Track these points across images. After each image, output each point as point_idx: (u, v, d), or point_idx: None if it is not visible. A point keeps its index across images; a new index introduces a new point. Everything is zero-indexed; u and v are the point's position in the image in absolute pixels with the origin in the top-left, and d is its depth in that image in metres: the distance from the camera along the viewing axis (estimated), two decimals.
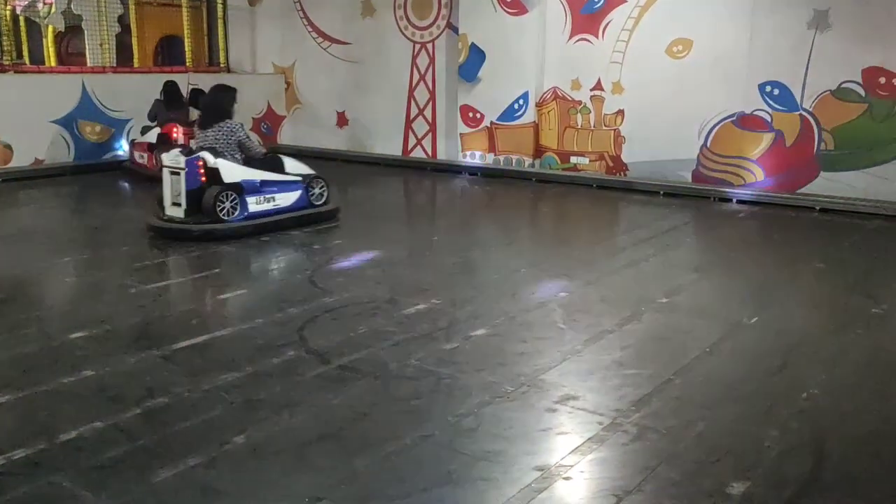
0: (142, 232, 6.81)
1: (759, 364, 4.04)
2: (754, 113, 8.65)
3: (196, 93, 10.42)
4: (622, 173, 9.68)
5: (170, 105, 10.00)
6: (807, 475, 2.94)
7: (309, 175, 7.44)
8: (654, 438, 3.21)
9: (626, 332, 4.48)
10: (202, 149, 6.80)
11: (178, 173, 6.62)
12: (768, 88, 8.54)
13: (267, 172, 7.05)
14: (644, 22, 9.24)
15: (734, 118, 8.79)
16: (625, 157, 9.65)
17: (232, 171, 6.77)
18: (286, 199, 7.12)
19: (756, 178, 8.77)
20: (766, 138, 8.64)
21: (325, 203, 7.51)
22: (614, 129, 9.68)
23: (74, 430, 3.19)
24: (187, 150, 6.86)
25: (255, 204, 6.83)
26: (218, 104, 7.14)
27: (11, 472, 2.88)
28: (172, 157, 6.74)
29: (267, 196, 6.96)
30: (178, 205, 6.62)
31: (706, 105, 8.90)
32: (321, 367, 3.90)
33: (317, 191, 7.46)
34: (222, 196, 6.57)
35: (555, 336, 4.41)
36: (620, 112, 9.61)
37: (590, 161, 9.94)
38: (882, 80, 7.90)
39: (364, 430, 3.26)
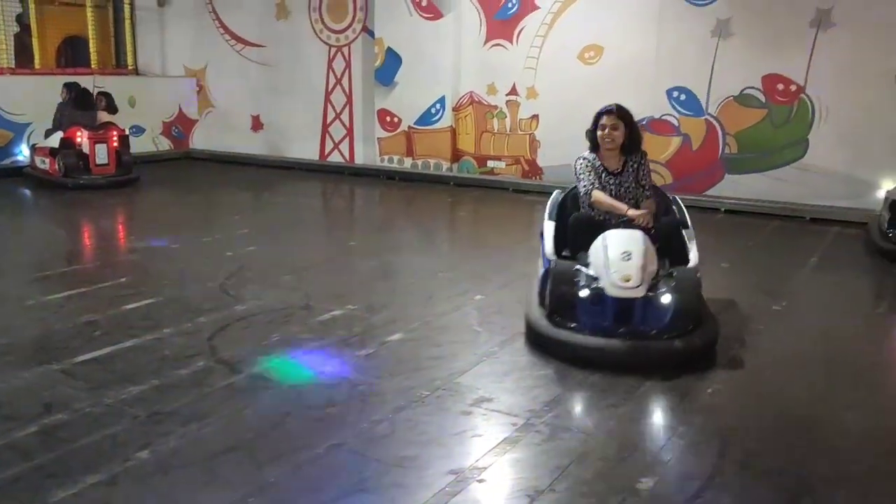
0: (41, 240, 6.50)
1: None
2: (663, 118, 8.92)
3: (103, 96, 10.08)
4: (538, 177, 9.82)
5: (77, 107, 9.61)
6: (710, 469, 3.03)
7: None
8: (567, 437, 3.26)
9: None
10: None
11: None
12: (675, 94, 8.82)
13: None
14: (556, 28, 9.42)
15: (644, 122, 9.02)
16: (540, 161, 9.80)
17: None
18: None
19: (665, 180, 9.03)
20: (674, 142, 8.93)
21: None
22: (529, 134, 9.82)
23: None
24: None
25: None
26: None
27: None
28: None
29: None
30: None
31: None
32: (231, 377, 3.80)
33: None
34: None
35: (470, 339, 4.43)
36: (535, 117, 9.75)
37: (506, 165, 10.05)
38: (780, 86, 8.28)
39: (276, 439, 3.19)
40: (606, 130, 4.69)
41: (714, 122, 8.67)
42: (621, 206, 4.55)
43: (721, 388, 3.80)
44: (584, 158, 4.81)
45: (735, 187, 8.63)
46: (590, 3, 9.15)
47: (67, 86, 9.76)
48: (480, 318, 4.79)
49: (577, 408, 3.62)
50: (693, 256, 4.42)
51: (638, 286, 4.01)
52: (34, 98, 10.31)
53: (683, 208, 4.99)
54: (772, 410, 3.61)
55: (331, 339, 4.36)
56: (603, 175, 4.73)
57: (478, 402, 3.57)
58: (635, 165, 4.74)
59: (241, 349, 4.17)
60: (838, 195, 8.08)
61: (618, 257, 4.09)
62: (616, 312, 4.02)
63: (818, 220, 7.98)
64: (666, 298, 4.03)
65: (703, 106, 8.69)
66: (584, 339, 3.99)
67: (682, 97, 8.79)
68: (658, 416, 3.50)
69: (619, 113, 4.70)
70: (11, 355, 4.05)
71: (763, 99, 8.37)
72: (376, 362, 4.07)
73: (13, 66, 11.02)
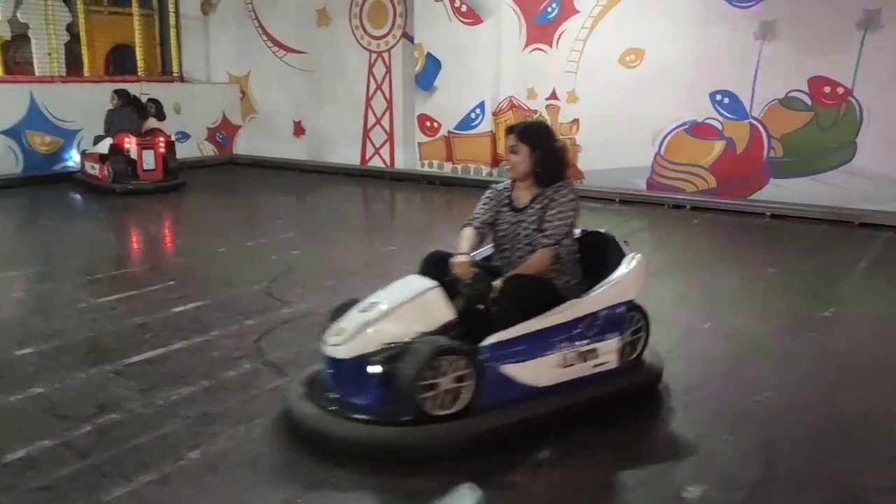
0: (91, 244, 6.67)
1: (712, 369, 4.11)
2: (706, 121, 8.82)
3: (154, 103, 10.30)
4: (579, 181, 9.78)
5: (125, 113, 9.82)
6: (759, 477, 3.00)
7: None
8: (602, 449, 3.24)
9: None
10: None
11: None
12: (719, 97, 8.72)
13: None
14: (597, 32, 9.38)
15: (686, 126, 8.96)
16: (581, 165, 9.75)
17: None
18: None
19: (709, 184, 8.94)
20: (718, 146, 8.83)
21: None
22: (570, 138, 9.78)
23: (22, 449, 3.11)
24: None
25: None
26: None
27: None
28: None
29: None
30: None
31: (659, 113, 9.05)
32: (278, 380, 3.86)
33: None
34: None
35: None
36: (576, 121, 9.72)
37: None
38: (827, 89, 8.13)
39: None
40: (508, 154, 3.67)
41: (758, 126, 8.55)
42: (458, 251, 3.51)
43: (769, 396, 3.75)
44: (493, 187, 3.82)
45: (781, 191, 8.50)
46: (630, 6, 9.09)
47: (117, 92, 9.99)
48: None
49: (621, 412, 3.60)
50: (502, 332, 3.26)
51: (339, 345, 3.22)
52: (83, 105, 10.57)
53: (631, 263, 3.77)
54: (821, 419, 3.55)
55: None
56: (506, 210, 3.68)
57: None
58: (546, 202, 3.57)
59: (287, 352, 4.23)
60: (888, 199, 7.91)
61: (361, 306, 3.38)
62: (331, 375, 3.31)
63: (867, 224, 7.82)
64: (374, 369, 3.12)
65: (748, 109, 8.57)
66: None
67: (726, 100, 8.68)
68: (705, 425, 3.46)
69: (521, 133, 3.60)
70: (66, 356, 4.16)
71: (809, 102, 8.23)
72: None
73: (64, 74, 11.30)
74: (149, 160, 9.53)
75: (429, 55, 10.58)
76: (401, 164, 11.32)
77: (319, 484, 2.91)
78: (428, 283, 3.39)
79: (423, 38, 10.60)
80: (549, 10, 9.64)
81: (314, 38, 11.84)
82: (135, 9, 12.00)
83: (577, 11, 9.44)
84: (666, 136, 9.10)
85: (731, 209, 8.54)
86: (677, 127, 9.01)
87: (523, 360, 3.30)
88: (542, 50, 9.79)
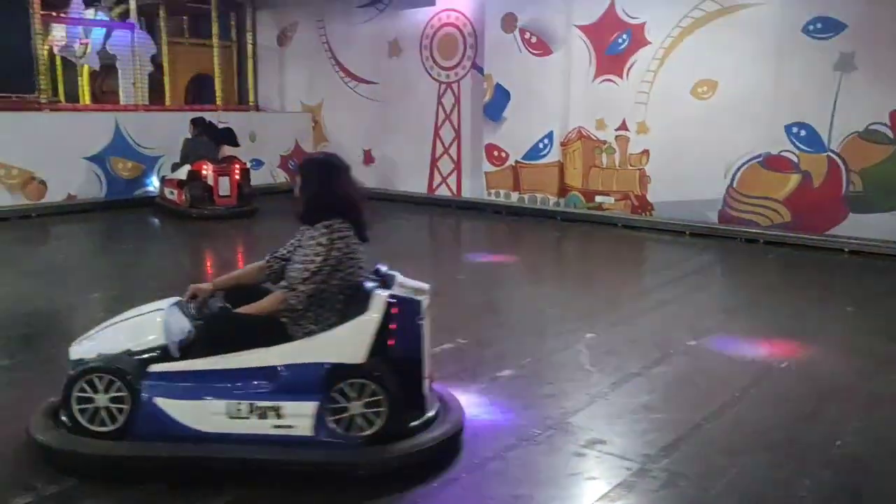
0: (168, 266, 6.89)
1: (791, 410, 3.97)
2: (781, 154, 8.62)
3: (227, 131, 10.62)
4: (647, 213, 9.66)
5: (201, 141, 10.16)
6: None
7: None
8: (684, 485, 3.16)
9: (654, 375, 4.44)
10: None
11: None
12: (795, 129, 8.52)
13: None
14: (668, 63, 9.30)
15: (761, 159, 8.77)
16: (650, 197, 9.64)
17: None
18: None
19: (783, 218, 8.71)
20: (794, 179, 8.60)
21: None
22: (639, 169, 9.69)
23: None
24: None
25: None
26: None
27: None
28: (409, 286, 3.66)
29: None
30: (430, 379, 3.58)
31: (732, 145, 8.89)
32: None
33: None
34: None
35: (582, 378, 4.38)
36: (646, 152, 9.62)
37: (615, 200, 9.94)
38: None
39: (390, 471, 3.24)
40: None
41: (836, 159, 8.31)
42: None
43: (852, 441, 3.60)
44: None
45: (860, 227, 8.21)
46: (703, 37, 9.00)
47: (194, 122, 10.35)
48: (591, 357, 4.73)
49: (695, 454, 3.50)
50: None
51: (72, 347, 3.42)
52: (164, 133, 10.98)
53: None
54: None
55: (442, 373, 4.39)
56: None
57: (591, 443, 3.52)
58: (298, 243, 3.46)
59: None
60: None
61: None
62: None
63: None
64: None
65: (825, 142, 8.34)
66: None
67: (802, 133, 8.47)
68: (782, 469, 3.34)
69: (300, 165, 3.58)
70: None
71: (891, 135, 7.96)
72: (487, 397, 4.08)
73: (147, 102, 11.79)
74: (224, 186, 9.83)
75: (498, 86, 10.67)
76: (467, 192, 11.39)
77: None
78: (161, 305, 3.44)
79: (493, 68, 10.70)
80: (620, 41, 9.62)
81: (385, 68, 12.07)
82: (215, 40, 12.46)
83: (648, 43, 9.39)
84: (739, 168, 8.92)
85: (808, 244, 8.29)
86: (751, 159, 8.82)
87: (183, 398, 3.16)
88: (612, 81, 9.76)
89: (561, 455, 3.42)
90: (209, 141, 10.20)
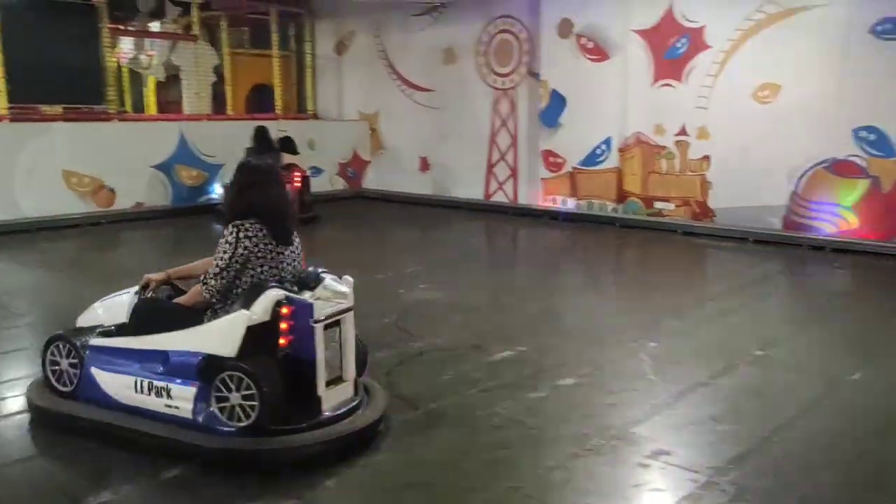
0: None
1: (865, 423, 3.86)
2: (848, 158, 8.38)
3: (286, 140, 10.80)
4: (709, 219, 9.50)
5: (261, 150, 10.36)
6: None
7: None
8: (753, 500, 3.10)
9: (720, 386, 4.36)
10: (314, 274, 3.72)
11: (336, 323, 3.64)
12: (863, 133, 8.27)
13: None
14: (729, 67, 9.13)
15: (827, 164, 8.54)
16: (711, 203, 9.47)
17: None
18: None
19: (851, 225, 8.46)
20: (862, 184, 8.35)
21: None
22: (700, 175, 9.53)
23: (175, 468, 3.30)
24: (302, 283, 3.64)
25: None
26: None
27: None
28: (314, 302, 3.50)
29: None
30: (338, 379, 3.63)
31: (796, 150, 8.68)
32: (409, 413, 3.93)
33: None
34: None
35: (645, 388, 4.33)
36: (706, 157, 9.46)
37: (675, 206, 9.80)
38: None
39: (454, 478, 3.26)
40: None
41: None
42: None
43: None
44: None
45: None
46: (765, 40, 8.81)
47: (257, 131, 10.56)
48: (654, 366, 4.67)
49: (765, 468, 3.43)
50: None
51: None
52: (226, 141, 11.24)
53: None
54: None
55: (502, 381, 4.41)
56: None
57: (655, 454, 3.48)
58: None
59: (417, 385, 4.31)
60: None
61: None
62: None
63: None
64: None
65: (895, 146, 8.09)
66: None
67: (871, 136, 8.22)
68: (857, 485, 3.25)
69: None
70: None
71: None
72: (548, 406, 4.07)
73: (210, 112, 12.09)
74: None
75: (554, 92, 10.63)
76: (524, 199, 11.36)
77: None
78: (132, 290, 3.92)
79: (549, 74, 10.67)
80: (679, 45, 9.49)
81: (441, 76, 12.14)
82: (275, 51, 12.71)
83: (708, 46, 9.24)
84: (804, 173, 8.69)
85: (877, 251, 8.04)
86: (817, 164, 8.59)
87: (105, 370, 3.66)
88: (670, 85, 9.63)
89: (625, 466, 3.39)
90: (267, 149, 10.38)
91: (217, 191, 11.21)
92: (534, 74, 10.98)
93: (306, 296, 3.50)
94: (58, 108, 10.82)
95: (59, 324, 5.48)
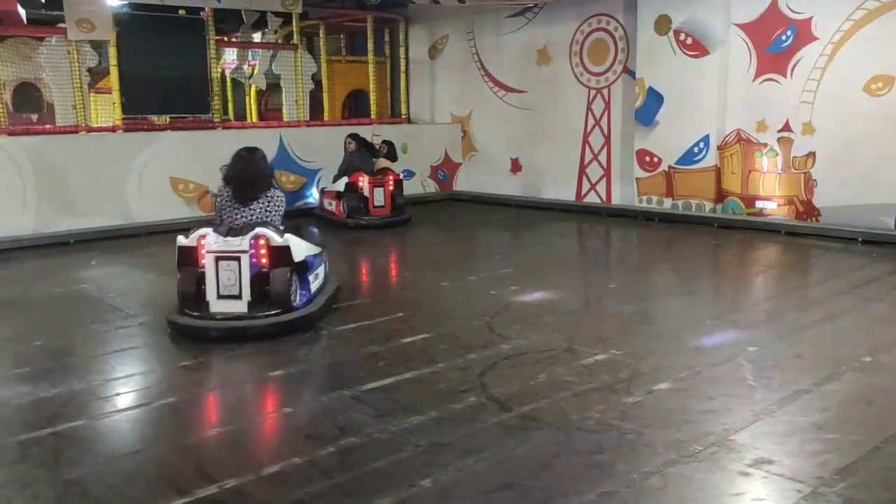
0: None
1: None
2: None
3: (390, 146, 11.04)
4: (814, 219, 9.09)
5: (363, 155, 10.63)
6: None
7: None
8: None
9: (825, 393, 4.17)
10: (250, 225, 5.43)
11: (236, 258, 5.26)
12: None
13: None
14: (838, 59, 8.72)
15: None
16: (816, 202, 9.06)
17: (299, 248, 5.58)
18: (322, 273, 6.19)
19: None
20: None
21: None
22: (804, 173, 9.14)
23: (277, 464, 3.43)
24: (232, 230, 5.41)
25: (313, 281, 5.84)
26: (261, 172, 5.77)
27: (223, 500, 3.13)
28: (221, 240, 5.30)
29: (316, 273, 5.93)
30: (236, 297, 5.28)
31: None
32: (502, 415, 3.94)
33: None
34: (291, 279, 5.43)
35: (745, 394, 4.19)
36: (811, 154, 9.06)
37: (777, 206, 9.43)
38: None
39: (548, 481, 3.25)
40: None
41: None
42: None
43: None
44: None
45: None
46: (877, 30, 8.37)
47: (352, 136, 10.83)
48: (755, 371, 4.51)
49: (875, 480, 3.26)
50: None
51: None
52: (323, 147, 11.56)
53: None
54: None
55: (596, 384, 4.36)
56: None
57: (757, 462, 3.37)
58: None
59: (510, 387, 4.31)
60: None
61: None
62: None
63: None
64: None
65: None
66: None
67: None
68: None
69: None
70: (311, 380, 4.55)
71: None
72: (644, 411, 4.00)
73: (307, 118, 12.45)
74: (379, 197, 10.20)
75: (650, 90, 10.41)
76: (617, 199, 11.18)
77: None
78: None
79: (645, 72, 10.46)
80: (784, 38, 9.13)
81: (534, 77, 12.09)
82: (370, 57, 12.96)
83: (816, 38, 8.85)
84: None
85: None
86: None
87: None
88: (774, 80, 9.27)
89: (725, 473, 3.30)
90: (367, 154, 10.65)
91: (314, 195, 11.55)
92: (629, 72, 10.78)
93: (230, 240, 5.29)
94: (166, 119, 11.40)
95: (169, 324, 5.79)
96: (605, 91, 11.18)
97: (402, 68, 13.75)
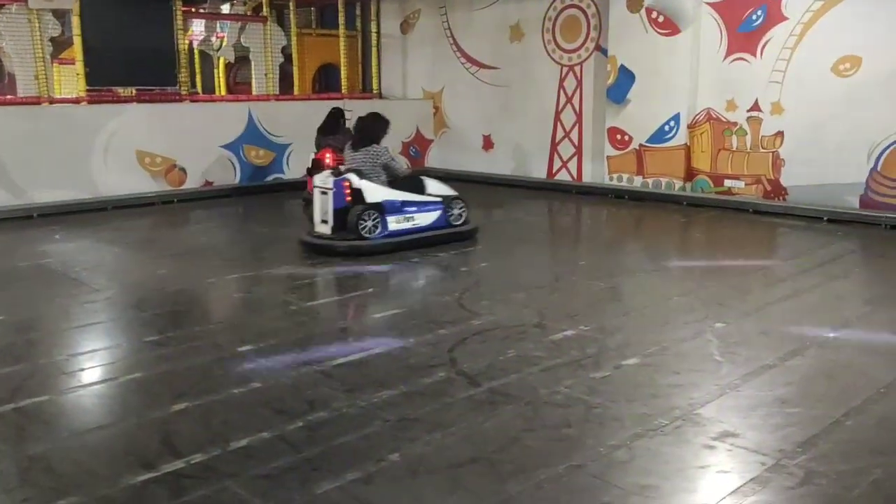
0: (298, 250, 7.19)
1: None
2: None
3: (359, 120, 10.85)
4: (781, 197, 9.21)
5: (332, 130, 10.46)
6: None
7: (449, 196, 7.67)
8: (824, 483, 3.02)
9: (790, 368, 4.25)
10: (350, 170, 7.18)
11: (326, 193, 7.04)
12: None
13: (408, 193, 7.36)
14: (807, 39, 8.80)
15: None
16: (784, 181, 9.18)
17: (374, 192, 7.11)
18: (425, 218, 7.41)
19: None
20: None
21: (464, 223, 7.70)
22: (773, 152, 9.24)
23: (244, 438, 3.40)
24: (336, 172, 7.23)
25: (395, 223, 7.18)
26: (370, 130, 7.48)
27: (190, 475, 3.11)
28: (323, 179, 7.16)
29: (407, 216, 7.27)
30: (326, 222, 7.07)
31: (877, 126, 8.33)
32: (471, 390, 3.95)
33: (455, 211, 7.67)
34: (365, 215, 6.98)
35: (711, 369, 4.25)
36: (779, 133, 9.16)
37: (745, 185, 9.53)
38: None
39: (516, 455, 3.27)
40: None
41: None
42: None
43: None
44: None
45: None
46: (846, 11, 8.44)
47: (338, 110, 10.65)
48: (721, 347, 4.58)
49: (835, 452, 3.33)
50: None
51: None
52: (293, 121, 11.42)
53: None
54: None
55: (565, 359, 4.39)
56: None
57: (722, 436, 3.42)
58: None
59: (479, 362, 4.32)
60: None
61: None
62: None
63: None
64: None
65: None
66: None
67: None
68: None
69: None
70: (279, 355, 4.51)
71: None
72: (612, 386, 4.04)
73: (277, 92, 12.28)
74: None
75: (622, 67, 10.42)
76: (588, 177, 11.22)
77: (512, 499, 2.95)
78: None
79: (617, 50, 10.46)
80: (754, 17, 9.18)
81: (507, 53, 12.04)
82: (341, 30, 12.80)
83: (785, 18, 8.91)
84: (885, 150, 8.34)
85: None
86: None
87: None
88: (744, 59, 9.33)
89: (690, 447, 3.35)
90: (341, 130, 10.48)
91: (285, 169, 11.41)
92: (602, 50, 10.78)
93: (328, 179, 7.09)
94: (131, 90, 11.17)
95: (136, 299, 5.71)
96: (577, 68, 11.18)
97: (374, 42, 13.60)
